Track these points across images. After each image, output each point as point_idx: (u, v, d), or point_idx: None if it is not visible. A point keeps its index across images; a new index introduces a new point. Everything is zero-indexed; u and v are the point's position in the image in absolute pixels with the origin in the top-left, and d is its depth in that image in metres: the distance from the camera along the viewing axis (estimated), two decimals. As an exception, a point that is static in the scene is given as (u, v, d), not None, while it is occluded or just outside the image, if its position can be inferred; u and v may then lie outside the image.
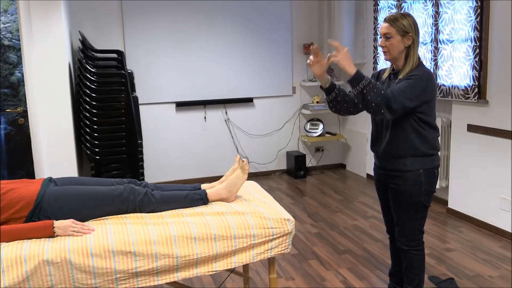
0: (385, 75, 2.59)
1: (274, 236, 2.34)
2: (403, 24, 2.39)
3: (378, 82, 2.35)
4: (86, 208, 2.30)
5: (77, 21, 5.05)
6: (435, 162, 2.49)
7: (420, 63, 2.46)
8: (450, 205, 4.39)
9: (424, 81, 2.38)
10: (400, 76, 2.44)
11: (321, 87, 2.60)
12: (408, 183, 2.46)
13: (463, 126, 4.16)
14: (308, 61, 2.48)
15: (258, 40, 5.78)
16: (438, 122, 4.40)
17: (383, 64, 5.19)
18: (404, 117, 2.41)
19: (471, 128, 4.06)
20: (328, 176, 5.95)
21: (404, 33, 2.40)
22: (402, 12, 2.47)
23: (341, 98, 2.55)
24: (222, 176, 2.69)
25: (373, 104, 2.29)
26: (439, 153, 2.55)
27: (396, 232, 2.61)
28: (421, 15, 4.54)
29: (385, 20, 2.43)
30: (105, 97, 4.29)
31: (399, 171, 2.47)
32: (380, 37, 2.47)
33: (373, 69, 5.40)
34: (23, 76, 3.93)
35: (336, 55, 2.33)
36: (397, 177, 2.49)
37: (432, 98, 2.44)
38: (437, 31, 4.32)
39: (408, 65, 2.43)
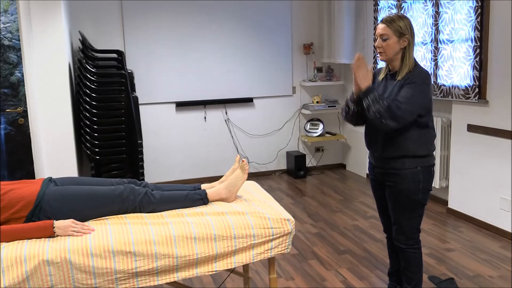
0: (381, 76, 2.60)
1: (274, 236, 2.34)
2: (400, 26, 2.41)
3: (385, 97, 2.39)
4: (86, 208, 2.30)
5: (77, 21, 5.05)
6: (431, 161, 2.52)
7: (416, 64, 2.47)
8: (450, 205, 4.39)
9: (425, 84, 2.40)
10: (399, 78, 2.45)
11: (352, 98, 2.56)
12: (406, 181, 2.47)
13: (463, 126, 4.16)
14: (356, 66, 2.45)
15: (258, 40, 5.78)
16: (438, 122, 4.40)
17: (383, 64, 5.18)
18: None
19: (471, 128, 4.06)
20: (328, 176, 5.95)
21: (401, 34, 2.41)
22: (399, 13, 2.47)
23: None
24: (222, 176, 2.69)
25: (377, 115, 2.33)
26: (434, 153, 2.56)
27: (393, 230, 2.62)
28: (421, 15, 4.54)
29: (382, 21, 2.45)
30: (105, 97, 4.29)
31: (396, 169, 2.48)
32: (377, 38, 2.48)
33: (373, 69, 5.38)
34: (23, 76, 3.93)
35: (359, 66, 2.39)
36: (395, 175, 2.49)
37: (431, 99, 2.45)
38: (437, 31, 4.32)
39: (405, 67, 2.45)
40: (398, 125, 2.35)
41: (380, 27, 2.44)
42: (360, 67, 2.41)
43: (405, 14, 4.70)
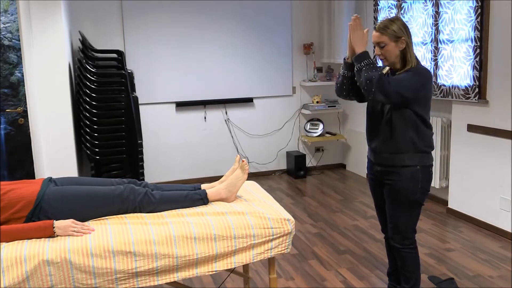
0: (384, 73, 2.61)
1: (274, 236, 2.34)
2: (394, 30, 2.41)
3: (379, 67, 2.39)
4: (86, 208, 2.30)
5: (77, 21, 5.05)
6: (430, 160, 2.53)
7: (418, 62, 2.48)
8: (450, 205, 4.39)
9: (422, 76, 2.41)
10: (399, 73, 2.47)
11: (345, 61, 2.57)
12: (405, 179, 2.47)
13: (463, 126, 4.16)
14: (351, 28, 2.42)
15: (258, 40, 5.78)
16: (438, 122, 4.40)
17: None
18: (402, 113, 2.43)
19: (471, 128, 4.06)
20: (328, 176, 5.95)
21: (397, 38, 2.42)
22: (390, 17, 2.49)
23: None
24: (222, 176, 2.69)
25: (368, 81, 2.33)
26: (433, 153, 2.57)
27: (389, 229, 2.63)
28: (421, 15, 4.54)
29: (376, 29, 2.46)
30: (105, 97, 4.29)
31: (396, 166, 2.49)
32: (374, 46, 2.49)
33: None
34: (23, 76, 3.93)
35: (355, 28, 2.39)
36: (394, 173, 2.50)
37: (429, 95, 2.47)
38: (437, 31, 4.32)
39: (408, 65, 2.47)
40: (384, 99, 2.36)
41: (375, 35, 2.45)
42: (356, 29, 2.40)
43: (404, 14, 4.72)
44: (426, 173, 2.50)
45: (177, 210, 2.42)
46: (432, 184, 4.53)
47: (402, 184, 2.48)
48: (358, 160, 5.92)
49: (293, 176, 5.87)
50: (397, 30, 2.41)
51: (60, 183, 2.43)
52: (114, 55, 4.67)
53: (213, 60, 5.63)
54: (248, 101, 5.84)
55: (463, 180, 4.21)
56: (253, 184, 2.91)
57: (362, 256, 3.56)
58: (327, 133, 6.13)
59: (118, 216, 2.34)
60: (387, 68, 2.60)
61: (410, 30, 2.49)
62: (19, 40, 3.91)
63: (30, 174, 4.06)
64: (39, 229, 2.11)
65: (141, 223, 2.24)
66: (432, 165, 2.54)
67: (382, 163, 2.56)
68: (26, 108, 3.92)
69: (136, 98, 4.49)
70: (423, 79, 2.40)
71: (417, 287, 2.65)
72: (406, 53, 2.44)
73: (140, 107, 5.23)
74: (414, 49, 2.52)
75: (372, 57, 2.41)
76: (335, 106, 5.96)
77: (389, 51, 2.43)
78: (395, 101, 2.38)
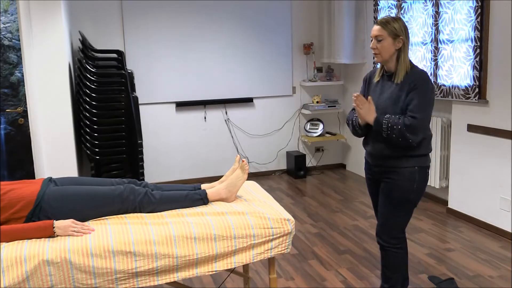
0: (377, 78, 2.61)
1: (274, 236, 2.34)
2: (394, 27, 2.44)
3: (397, 117, 2.40)
4: (86, 208, 2.30)
5: (77, 21, 5.05)
6: (427, 162, 2.54)
7: (412, 65, 2.50)
8: (450, 205, 4.39)
9: (430, 85, 2.44)
10: (397, 81, 2.46)
11: (358, 125, 2.60)
12: (403, 178, 2.48)
13: (463, 126, 4.16)
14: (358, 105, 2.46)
15: (258, 40, 5.78)
16: (438, 122, 4.40)
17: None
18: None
19: (471, 128, 4.06)
20: (328, 176, 5.95)
21: (395, 36, 2.44)
22: (393, 15, 2.51)
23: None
24: (222, 176, 2.69)
25: (400, 140, 2.38)
26: (433, 152, 2.57)
27: (377, 226, 2.64)
28: (421, 15, 4.54)
29: (377, 23, 2.49)
30: (105, 97, 4.29)
31: (395, 167, 2.50)
32: (372, 40, 2.50)
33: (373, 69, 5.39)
34: (23, 76, 3.93)
35: (360, 107, 2.44)
36: (393, 172, 2.51)
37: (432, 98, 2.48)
38: (437, 31, 4.32)
39: (402, 69, 2.47)
40: (420, 137, 2.40)
41: (375, 28, 2.47)
42: (361, 104, 2.44)
43: (404, 14, 4.72)
44: (423, 174, 2.51)
45: (177, 210, 2.42)
46: (432, 184, 4.53)
47: (399, 183, 2.49)
48: (358, 160, 5.92)
49: (293, 176, 5.87)
50: (397, 28, 2.44)
51: (60, 183, 2.43)
52: (114, 55, 4.67)
53: (213, 60, 5.63)
54: (248, 101, 5.84)
55: (463, 180, 4.21)
56: (253, 184, 2.91)
57: (362, 256, 3.56)
58: (327, 133, 6.13)
59: (118, 216, 2.35)
60: (379, 65, 2.60)
61: (410, 30, 2.50)
62: (19, 40, 3.91)
63: (30, 174, 4.06)
64: (39, 229, 2.11)
65: (141, 223, 2.24)
66: (429, 167, 2.56)
67: (380, 164, 2.57)
68: (26, 108, 3.92)
69: (136, 98, 4.49)
70: (429, 85, 2.44)
71: None
72: (400, 54, 2.46)
73: (140, 107, 5.22)
74: (414, 49, 2.53)
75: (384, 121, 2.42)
76: (335, 106, 5.96)
77: (385, 47, 2.45)
78: (428, 128, 2.46)
